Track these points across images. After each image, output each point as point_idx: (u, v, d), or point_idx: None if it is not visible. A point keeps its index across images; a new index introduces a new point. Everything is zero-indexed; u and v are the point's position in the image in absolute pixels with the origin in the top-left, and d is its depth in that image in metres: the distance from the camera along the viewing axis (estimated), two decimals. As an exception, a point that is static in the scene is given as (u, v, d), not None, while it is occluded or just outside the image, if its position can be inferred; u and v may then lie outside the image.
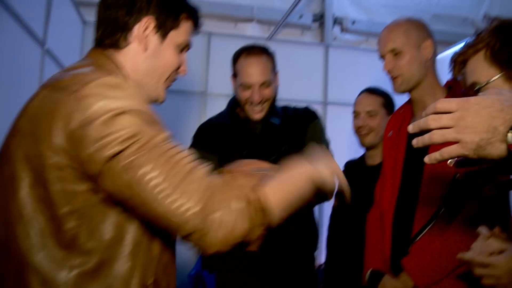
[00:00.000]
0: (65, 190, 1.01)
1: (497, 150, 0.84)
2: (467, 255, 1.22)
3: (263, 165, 1.12)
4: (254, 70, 2.03)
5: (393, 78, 1.82)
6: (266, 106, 2.08)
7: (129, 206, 1.01)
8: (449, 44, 3.97)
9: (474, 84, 1.27)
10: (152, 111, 1.06)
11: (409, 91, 1.83)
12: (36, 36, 2.71)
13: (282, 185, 1.10)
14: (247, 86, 2.04)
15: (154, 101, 1.29)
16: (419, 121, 0.91)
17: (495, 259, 1.16)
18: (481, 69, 1.26)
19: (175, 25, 1.25)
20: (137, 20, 1.20)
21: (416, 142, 0.93)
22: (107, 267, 1.05)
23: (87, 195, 1.02)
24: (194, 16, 1.30)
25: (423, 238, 1.66)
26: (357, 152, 2.60)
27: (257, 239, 1.06)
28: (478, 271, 1.19)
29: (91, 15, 3.78)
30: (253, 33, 4.35)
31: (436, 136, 0.89)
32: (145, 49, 1.21)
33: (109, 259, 1.05)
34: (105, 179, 0.98)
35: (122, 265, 1.06)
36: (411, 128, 0.93)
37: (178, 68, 1.30)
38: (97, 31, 1.24)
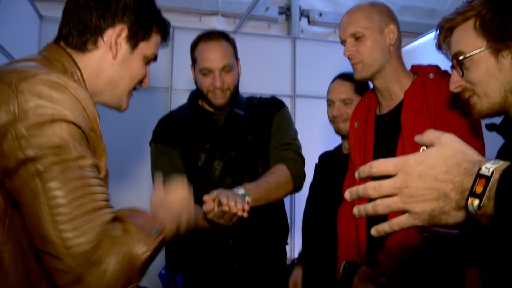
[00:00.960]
0: None
1: (454, 217, 0.75)
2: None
3: (156, 222, 1.06)
4: (213, 55, 1.96)
5: (354, 65, 1.73)
6: (228, 94, 2.01)
7: (22, 213, 0.95)
8: (417, 35, 4.02)
9: (458, 53, 1.20)
10: (85, 126, 1.01)
11: (371, 78, 1.75)
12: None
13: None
14: (207, 72, 1.97)
15: (116, 108, 1.28)
16: (357, 188, 0.79)
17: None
18: (467, 38, 1.19)
19: (146, 36, 1.25)
20: (110, 25, 1.19)
21: (357, 211, 0.81)
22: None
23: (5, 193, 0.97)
24: (163, 30, 1.31)
25: (398, 232, 1.63)
26: (328, 144, 2.57)
27: None
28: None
29: (48, 10, 3.69)
30: (219, 26, 4.30)
31: (380, 208, 0.78)
32: (114, 56, 1.20)
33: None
34: (14, 178, 0.93)
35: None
36: (348, 195, 0.81)
37: (142, 79, 1.30)
38: (62, 28, 1.20)
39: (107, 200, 0.99)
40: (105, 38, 1.18)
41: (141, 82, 1.30)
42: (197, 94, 2.10)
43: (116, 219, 0.99)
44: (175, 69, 3.98)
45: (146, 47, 1.25)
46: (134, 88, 1.29)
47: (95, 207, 0.94)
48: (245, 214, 1.63)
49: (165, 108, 3.93)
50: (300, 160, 2.05)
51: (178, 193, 1.23)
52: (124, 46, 1.21)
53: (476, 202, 0.70)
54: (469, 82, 1.21)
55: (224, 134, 2.04)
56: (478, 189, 0.70)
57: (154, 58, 1.30)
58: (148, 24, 1.24)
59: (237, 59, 2.07)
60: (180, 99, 3.64)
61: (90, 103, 1.05)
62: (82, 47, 1.18)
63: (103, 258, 0.91)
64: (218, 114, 2.07)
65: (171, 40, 3.80)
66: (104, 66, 1.20)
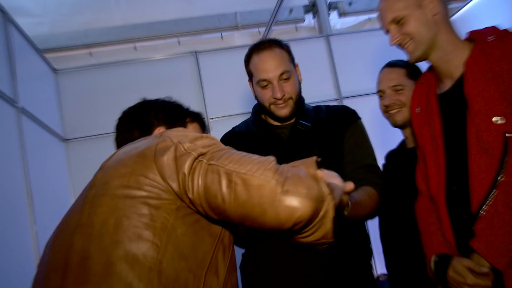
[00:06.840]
0: None
1: None
2: None
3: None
4: (269, 64, 2.04)
5: (404, 48, 1.80)
6: (291, 103, 2.09)
7: (211, 203, 1.17)
8: None
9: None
10: None
11: (426, 56, 1.80)
12: (5, 96, 2.74)
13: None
14: (266, 84, 2.06)
15: None
16: None
17: None
18: None
19: (182, 126, 1.59)
20: (150, 133, 1.51)
21: None
22: None
23: None
24: (198, 118, 1.72)
25: (488, 213, 1.60)
26: (386, 144, 2.57)
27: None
28: None
29: (60, 63, 3.85)
30: (242, 40, 4.35)
31: None
32: None
33: None
34: (193, 175, 1.18)
35: None
36: None
37: None
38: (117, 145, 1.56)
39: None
40: None
41: None
42: (260, 108, 2.21)
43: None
44: (207, 96, 3.99)
45: None
46: None
47: (259, 160, 1.19)
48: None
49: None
50: (383, 187, 2.10)
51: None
52: None
53: None
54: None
55: (288, 148, 2.10)
56: None
57: None
58: (180, 118, 1.60)
59: (294, 64, 2.16)
60: (220, 127, 3.59)
61: None
62: None
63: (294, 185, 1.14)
64: (283, 127, 2.15)
65: (197, 66, 3.95)
66: None
